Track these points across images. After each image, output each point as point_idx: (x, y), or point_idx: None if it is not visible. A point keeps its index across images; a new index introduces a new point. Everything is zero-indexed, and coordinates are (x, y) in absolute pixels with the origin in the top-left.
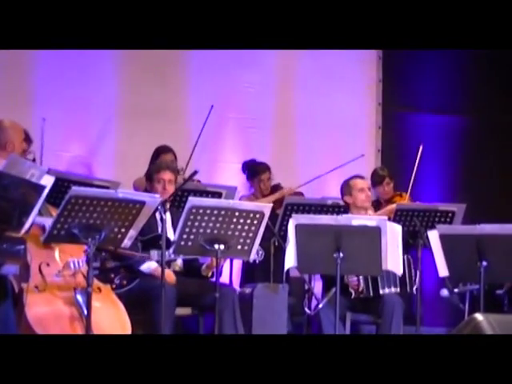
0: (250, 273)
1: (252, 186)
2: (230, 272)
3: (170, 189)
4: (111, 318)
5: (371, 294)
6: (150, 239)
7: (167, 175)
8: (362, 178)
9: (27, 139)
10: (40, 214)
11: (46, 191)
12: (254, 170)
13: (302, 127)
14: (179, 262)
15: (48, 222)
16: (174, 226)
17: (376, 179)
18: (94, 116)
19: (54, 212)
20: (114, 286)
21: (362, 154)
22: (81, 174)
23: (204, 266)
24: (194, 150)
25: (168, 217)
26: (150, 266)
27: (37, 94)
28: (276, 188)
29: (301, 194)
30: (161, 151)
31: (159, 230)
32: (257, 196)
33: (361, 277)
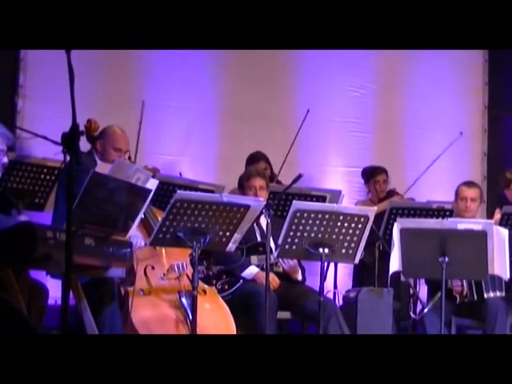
0: (357, 276)
1: (369, 190)
2: (335, 276)
3: (262, 195)
4: (217, 320)
5: (475, 298)
6: (251, 246)
7: (258, 182)
8: (469, 185)
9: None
10: (145, 216)
11: (151, 195)
12: (370, 172)
13: (406, 130)
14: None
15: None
16: (272, 233)
17: (503, 182)
18: (197, 119)
19: (160, 215)
20: (215, 289)
21: (460, 131)
22: (186, 178)
23: (288, 270)
24: (287, 155)
25: (264, 222)
26: (251, 271)
27: (141, 96)
28: (391, 193)
29: (412, 200)
30: (252, 159)
31: (257, 236)
32: (373, 201)
33: (464, 281)
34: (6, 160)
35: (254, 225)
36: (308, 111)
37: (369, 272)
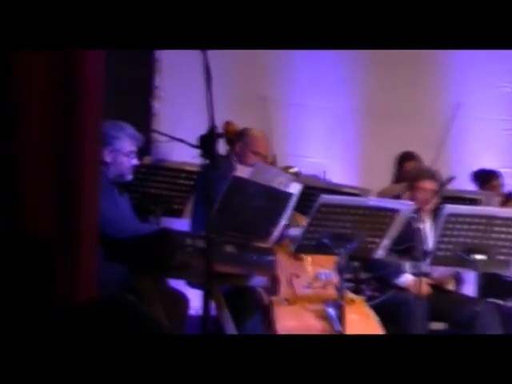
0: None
1: None
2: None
3: (431, 199)
4: (365, 331)
5: None
6: (405, 249)
7: (429, 184)
8: None
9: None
10: (287, 222)
11: (294, 199)
12: (483, 177)
13: None
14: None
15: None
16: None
17: None
18: (339, 119)
19: (302, 221)
20: (364, 297)
21: None
22: (330, 181)
23: (440, 279)
24: (438, 156)
25: (429, 227)
26: (407, 278)
27: (279, 96)
28: (510, 196)
29: None
30: (404, 158)
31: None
32: None
33: None
34: (135, 161)
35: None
36: (458, 106)
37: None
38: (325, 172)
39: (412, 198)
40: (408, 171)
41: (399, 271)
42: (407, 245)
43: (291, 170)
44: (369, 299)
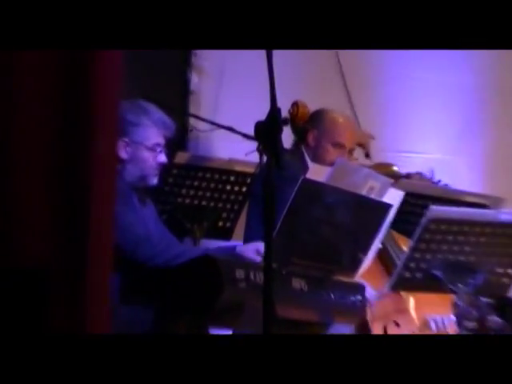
0: None
1: None
2: None
3: None
4: None
5: None
6: None
7: None
8: None
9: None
10: (383, 245)
11: (393, 212)
12: None
13: None
14: None
15: None
16: None
17: None
18: (457, 98)
19: (404, 243)
20: None
21: None
22: (444, 187)
23: None
24: None
25: None
26: None
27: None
28: None
29: None
30: None
31: None
32: None
33: None
34: (163, 158)
35: None
36: None
37: None
38: (433, 171)
39: None
40: None
41: None
42: None
43: (389, 169)
44: None
